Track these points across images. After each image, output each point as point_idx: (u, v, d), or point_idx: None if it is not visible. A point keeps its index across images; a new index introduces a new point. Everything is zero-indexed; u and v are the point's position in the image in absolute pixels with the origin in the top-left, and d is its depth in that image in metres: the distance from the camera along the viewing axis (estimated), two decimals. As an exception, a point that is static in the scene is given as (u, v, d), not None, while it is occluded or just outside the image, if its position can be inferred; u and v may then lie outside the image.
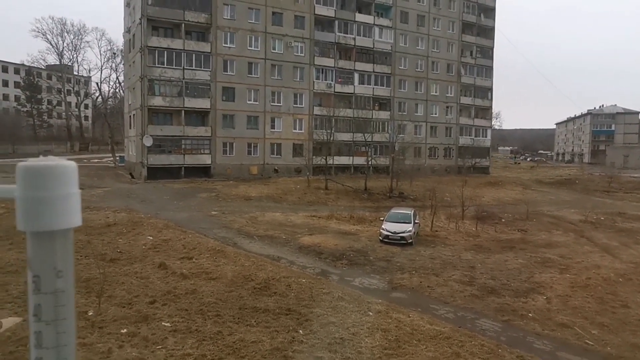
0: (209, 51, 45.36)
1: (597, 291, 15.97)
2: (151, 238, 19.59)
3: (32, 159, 0.70)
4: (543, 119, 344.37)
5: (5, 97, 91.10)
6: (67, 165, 0.70)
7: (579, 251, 22.18)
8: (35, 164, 0.68)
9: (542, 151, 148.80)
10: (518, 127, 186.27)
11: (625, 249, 22.93)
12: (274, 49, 49.07)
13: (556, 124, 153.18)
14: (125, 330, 10.60)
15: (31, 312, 0.70)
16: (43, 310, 0.70)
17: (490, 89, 66.54)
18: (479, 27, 64.27)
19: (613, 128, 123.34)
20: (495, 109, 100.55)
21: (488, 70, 65.80)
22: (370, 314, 12.91)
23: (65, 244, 0.71)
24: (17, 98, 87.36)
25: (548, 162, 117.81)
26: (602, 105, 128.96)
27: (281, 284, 14.71)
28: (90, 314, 11.22)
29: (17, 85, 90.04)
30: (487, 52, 65.72)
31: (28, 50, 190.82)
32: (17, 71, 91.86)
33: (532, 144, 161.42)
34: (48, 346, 0.70)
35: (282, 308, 12.67)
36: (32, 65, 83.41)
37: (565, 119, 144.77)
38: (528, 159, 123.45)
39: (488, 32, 65.64)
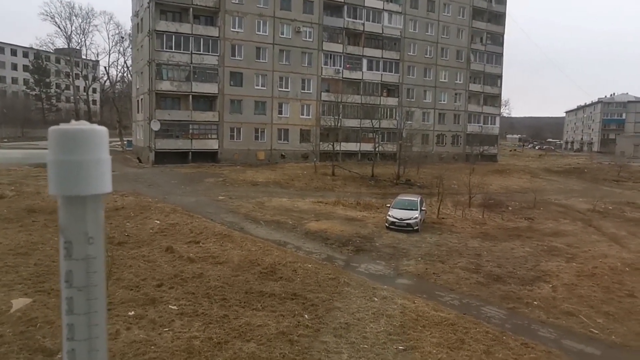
0: (217, 36, 45.16)
1: (604, 280, 15.93)
2: (158, 222, 19.73)
3: (64, 123, 0.70)
4: (553, 107, 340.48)
5: (14, 81, 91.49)
6: (99, 129, 0.70)
7: (586, 240, 22.10)
8: (67, 128, 0.68)
9: (551, 139, 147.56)
10: (527, 115, 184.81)
11: (634, 239, 22.81)
12: (282, 34, 48.77)
13: (566, 112, 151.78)
14: (132, 312, 10.73)
15: (63, 278, 0.70)
16: (74, 276, 0.70)
17: (500, 76, 65.90)
18: (489, 13, 63.44)
19: (624, 117, 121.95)
20: (504, 96, 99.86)
21: (498, 57, 65.08)
22: (376, 299, 12.97)
23: (96, 210, 0.71)
24: (25, 81, 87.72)
25: (557, 151, 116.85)
26: (614, 94, 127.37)
27: (287, 269, 14.80)
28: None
29: (25, 68, 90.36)
30: (498, 39, 64.93)
31: (37, 33, 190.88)
32: (25, 55, 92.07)
33: (541, 132, 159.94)
34: (79, 312, 0.70)
35: (288, 293, 12.76)
36: (41, 48, 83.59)
37: (575, 107, 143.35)
38: (537, 147, 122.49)
39: (499, 18, 64.78)
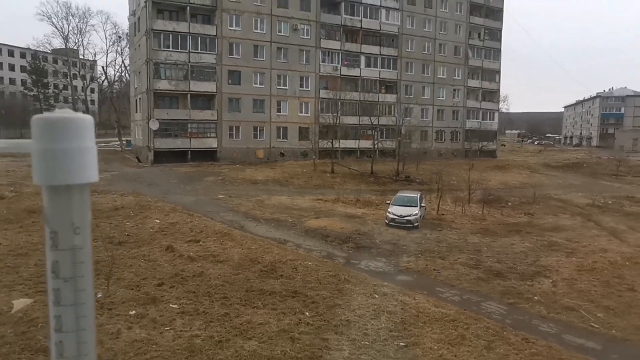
0: (215, 34, 45.08)
1: (604, 275, 15.96)
2: (158, 221, 19.73)
3: (46, 112, 0.70)
4: (551, 102, 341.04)
5: (12, 82, 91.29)
6: (83, 118, 0.69)
7: (585, 235, 22.12)
8: (50, 116, 0.67)
9: (550, 134, 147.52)
10: (526, 110, 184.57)
11: (633, 233, 22.83)
12: (280, 31, 48.68)
13: (564, 107, 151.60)
14: (133, 312, 10.74)
15: (49, 270, 0.70)
16: (61, 267, 0.69)
17: (498, 72, 65.81)
18: (487, 8, 63.33)
19: (622, 111, 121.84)
20: (502, 92, 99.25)
21: (496, 53, 65.01)
22: (376, 296, 12.99)
23: (82, 199, 0.70)
24: (23, 82, 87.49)
25: (556, 146, 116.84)
26: (612, 88, 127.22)
27: (288, 267, 14.81)
28: (99, 296, 11.36)
29: (23, 69, 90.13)
30: (495, 34, 64.84)
31: (34, 34, 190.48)
32: (23, 55, 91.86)
33: (540, 128, 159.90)
34: (66, 304, 0.70)
35: (289, 290, 12.77)
36: (38, 49, 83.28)
37: (574, 102, 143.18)
38: (535, 142, 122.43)
39: (496, 13, 64.68)
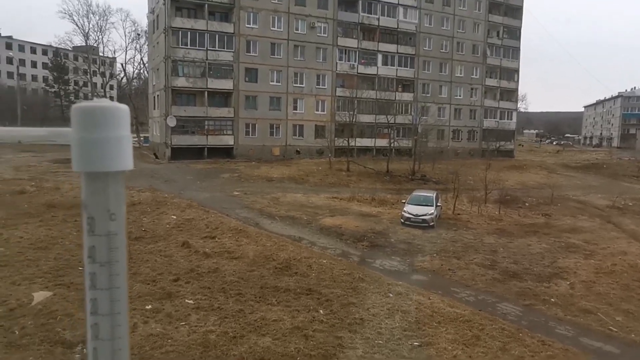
0: (232, 32, 45.28)
1: (623, 278, 15.69)
2: (175, 217, 19.92)
3: (85, 101, 0.71)
4: (571, 101, 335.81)
5: (34, 78, 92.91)
6: (120, 107, 0.71)
7: (605, 237, 21.76)
8: (89, 105, 0.69)
9: (569, 135, 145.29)
10: (545, 110, 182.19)
11: (654, 236, 22.40)
12: (297, 29, 48.69)
13: (584, 106, 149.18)
14: (149, 306, 10.87)
15: (86, 254, 0.72)
16: (97, 252, 0.71)
17: (517, 71, 65.00)
18: (506, 6, 62.52)
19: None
20: (521, 91, 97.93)
21: (515, 51, 64.19)
22: (391, 295, 12.96)
23: (118, 187, 0.72)
24: (45, 79, 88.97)
25: (575, 146, 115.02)
26: (634, 88, 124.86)
27: (302, 264, 14.85)
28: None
29: (45, 66, 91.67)
30: (514, 33, 64.01)
31: (55, 31, 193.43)
32: (45, 52, 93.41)
33: (559, 127, 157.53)
34: (102, 287, 0.72)
35: (303, 288, 12.81)
36: (59, 46, 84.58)
37: (595, 101, 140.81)
38: (554, 143, 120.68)
39: (516, 11, 63.83)
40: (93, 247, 0.71)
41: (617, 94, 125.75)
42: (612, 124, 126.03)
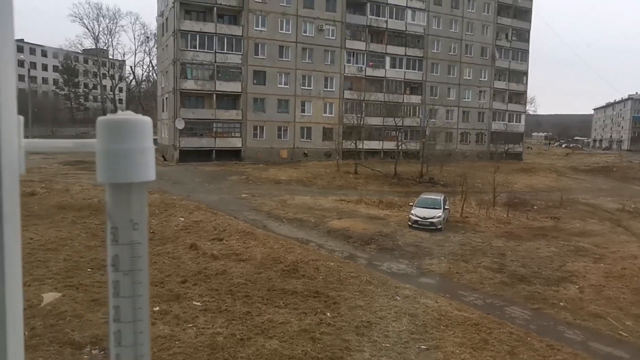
0: (241, 35, 45.50)
1: (633, 282, 15.54)
2: (183, 219, 20.00)
3: (110, 114, 0.75)
4: (580, 104, 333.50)
5: (45, 81, 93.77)
6: (144, 119, 0.74)
7: (614, 240, 21.58)
8: (115, 118, 0.72)
9: (578, 137, 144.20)
10: (554, 113, 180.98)
11: (664, 240, 22.17)
12: (305, 32, 48.83)
13: (594, 109, 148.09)
14: (157, 308, 10.93)
15: (110, 262, 0.74)
16: (120, 260, 0.74)
17: (526, 73, 64.72)
18: (515, 8, 62.33)
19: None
20: (530, 93, 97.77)
21: (524, 54, 63.94)
22: (398, 298, 12.93)
23: (141, 197, 0.75)
24: (55, 82, 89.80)
25: (584, 149, 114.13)
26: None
27: (310, 267, 14.85)
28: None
29: (55, 69, 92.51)
30: (523, 35, 63.77)
31: (66, 35, 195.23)
32: (55, 55, 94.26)
33: (568, 130, 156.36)
34: (125, 295, 0.74)
35: (310, 290, 12.81)
36: (70, 49, 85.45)
37: (604, 104, 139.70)
38: (563, 145, 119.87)
39: (525, 14, 63.60)
40: (117, 255, 0.74)
41: (627, 97, 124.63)
42: (622, 127, 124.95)
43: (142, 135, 0.72)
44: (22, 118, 0.79)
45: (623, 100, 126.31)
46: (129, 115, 0.73)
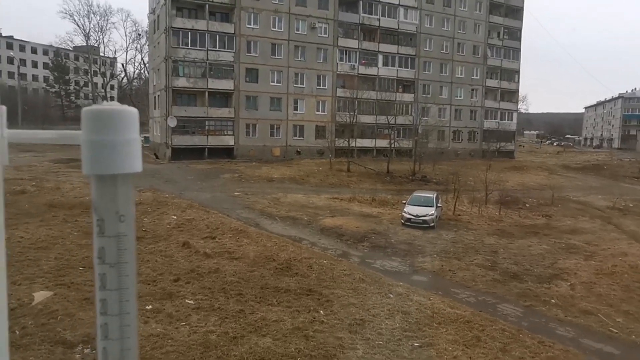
0: (233, 32, 45.32)
1: (624, 279, 15.68)
2: (175, 217, 19.92)
3: (96, 104, 0.72)
4: (572, 102, 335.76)
5: (35, 78, 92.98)
6: (130, 110, 0.72)
7: (605, 238, 21.75)
8: (100, 108, 0.70)
9: (569, 136, 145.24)
10: (545, 111, 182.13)
11: (654, 237, 22.39)
12: (298, 30, 48.73)
13: (585, 108, 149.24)
14: (150, 306, 10.87)
15: (95, 255, 0.73)
16: (107, 253, 0.72)
17: (517, 72, 65.03)
18: (507, 7, 62.57)
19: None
20: (522, 92, 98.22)
21: (515, 52, 64.23)
22: (391, 296, 12.96)
23: (127, 189, 0.73)
24: (45, 79, 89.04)
25: (575, 147, 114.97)
26: (635, 89, 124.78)
27: (302, 265, 14.84)
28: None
29: (45, 66, 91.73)
30: (515, 34, 64.05)
31: (56, 31, 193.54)
32: (45, 52, 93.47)
33: (559, 128, 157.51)
34: (112, 288, 0.73)
35: (304, 288, 12.80)
36: (60, 46, 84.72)
37: (595, 102, 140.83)
38: (555, 144, 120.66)
39: (516, 12, 63.87)
40: (103, 248, 0.72)
41: (617, 95, 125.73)
42: (613, 125, 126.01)
43: (128, 126, 0.71)
44: (4, 108, 0.76)
45: (614, 99, 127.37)
46: (115, 105, 0.71)
